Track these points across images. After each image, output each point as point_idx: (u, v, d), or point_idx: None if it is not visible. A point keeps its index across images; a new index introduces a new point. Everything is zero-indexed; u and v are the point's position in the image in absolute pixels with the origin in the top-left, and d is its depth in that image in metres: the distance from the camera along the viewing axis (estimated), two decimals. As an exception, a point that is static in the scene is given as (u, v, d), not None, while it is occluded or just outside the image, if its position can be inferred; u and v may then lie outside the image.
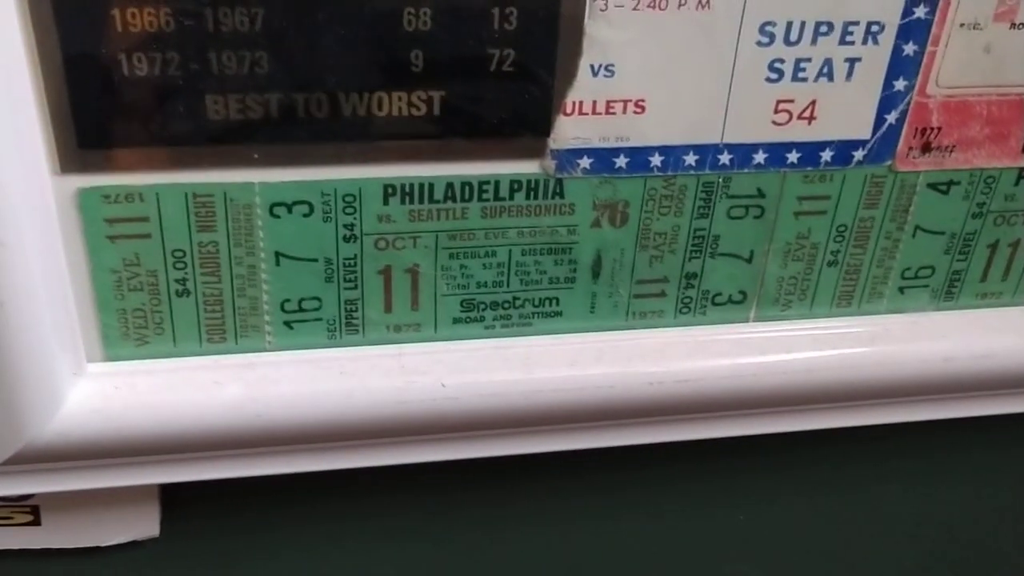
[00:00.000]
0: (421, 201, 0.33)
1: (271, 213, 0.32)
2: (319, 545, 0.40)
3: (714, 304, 0.37)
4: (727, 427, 0.38)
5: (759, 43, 0.32)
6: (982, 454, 0.45)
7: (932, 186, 0.36)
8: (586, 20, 0.30)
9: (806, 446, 0.43)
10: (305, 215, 0.32)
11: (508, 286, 0.35)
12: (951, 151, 0.35)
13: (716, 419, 0.37)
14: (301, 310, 0.34)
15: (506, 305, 0.35)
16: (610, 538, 0.44)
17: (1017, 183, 0.37)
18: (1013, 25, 0.33)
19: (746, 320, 0.37)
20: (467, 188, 0.33)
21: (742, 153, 0.34)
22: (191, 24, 0.28)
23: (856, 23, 0.32)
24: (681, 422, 0.37)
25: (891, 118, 0.34)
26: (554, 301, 0.35)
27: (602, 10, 0.30)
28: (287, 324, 0.34)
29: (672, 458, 0.42)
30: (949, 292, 0.39)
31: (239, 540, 0.40)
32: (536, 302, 0.35)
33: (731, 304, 0.37)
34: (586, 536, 0.43)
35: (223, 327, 0.33)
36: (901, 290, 0.38)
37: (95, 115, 0.29)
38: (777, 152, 0.34)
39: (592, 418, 0.36)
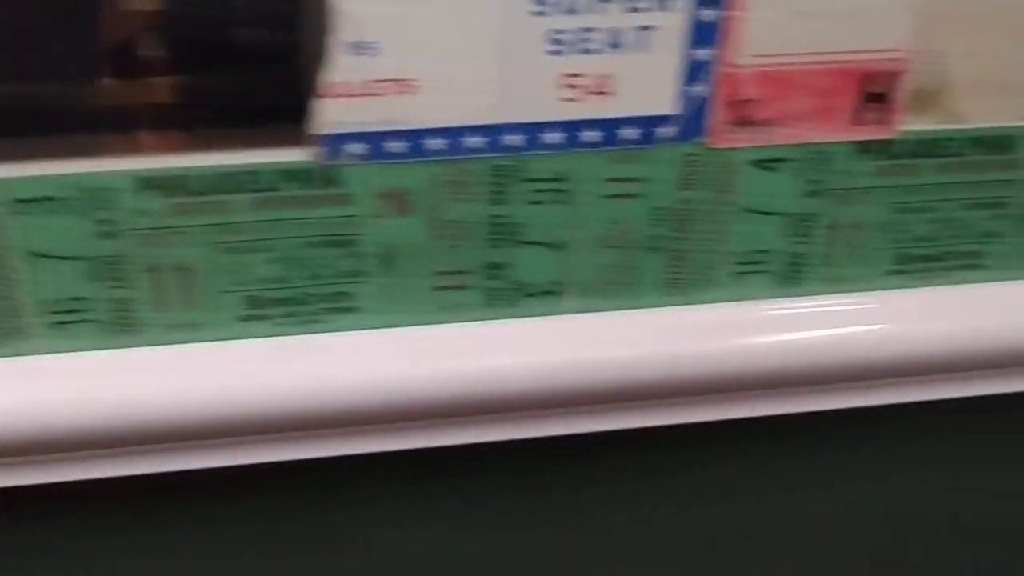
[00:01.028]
0: (182, 194, 0.30)
1: (17, 210, 0.30)
2: (134, 549, 0.39)
3: (526, 295, 0.34)
4: (551, 426, 0.35)
5: (533, 12, 0.29)
6: (861, 448, 0.42)
7: (757, 163, 0.33)
8: (333, -7, 0.28)
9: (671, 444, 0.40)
10: (54, 212, 0.30)
11: (293, 281, 0.33)
12: (774, 125, 0.32)
13: (534, 417, 0.35)
14: (69, 311, 0.32)
15: (293, 301, 0.33)
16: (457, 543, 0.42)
17: (855, 157, 0.33)
18: (824, -15, 0.30)
19: (563, 311, 0.35)
20: (230, 179, 0.30)
21: (531, 133, 0.31)
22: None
23: (644, -10, 0.29)
24: (497, 421, 0.35)
25: (698, 91, 0.31)
26: (347, 296, 0.33)
27: (350, -17, 0.28)
28: (56, 325, 0.32)
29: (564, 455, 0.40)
30: (792, 277, 0.36)
31: (70, 541, 0.39)
32: (326, 297, 0.33)
33: (545, 295, 0.34)
34: (409, 546, 0.42)
35: (-13, 330, 0.32)
36: (737, 276, 0.35)
37: None
38: (571, 131, 0.31)
39: (394, 419, 0.34)
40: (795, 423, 0.38)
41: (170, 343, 0.33)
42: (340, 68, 0.29)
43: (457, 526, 0.42)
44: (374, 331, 0.34)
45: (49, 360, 0.32)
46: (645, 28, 0.30)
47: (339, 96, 0.29)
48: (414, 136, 0.30)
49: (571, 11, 0.29)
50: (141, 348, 0.32)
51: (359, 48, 0.29)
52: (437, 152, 0.31)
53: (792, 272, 0.35)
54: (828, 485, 0.43)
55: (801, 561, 0.47)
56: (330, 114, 0.29)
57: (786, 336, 0.35)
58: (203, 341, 0.33)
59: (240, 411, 0.33)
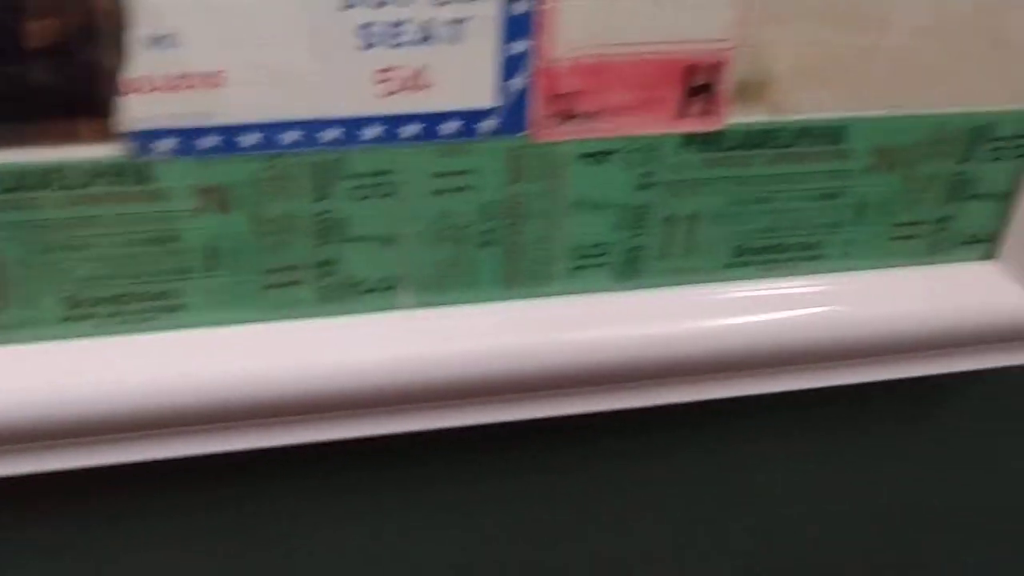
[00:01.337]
0: (-13, 193, 0.30)
1: None
2: None
3: (361, 291, 0.34)
4: (392, 423, 0.35)
5: (340, 6, 0.29)
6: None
7: (585, 157, 0.33)
8: (128, -14, 0.27)
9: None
10: None
11: (115, 280, 0.32)
12: (597, 118, 0.32)
13: (375, 414, 0.35)
14: None
15: (117, 300, 0.32)
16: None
17: (684, 150, 0.33)
18: (636, -24, 0.30)
19: (400, 307, 0.34)
20: (37, 176, 0.30)
21: (349, 128, 0.30)
22: None
23: (450, -18, 0.29)
24: (337, 418, 0.35)
25: (517, 84, 0.31)
26: (173, 294, 0.33)
27: (143, -25, 0.27)
28: None
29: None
30: (632, 270, 0.36)
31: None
32: (152, 296, 0.33)
33: (380, 291, 0.34)
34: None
35: None
36: (575, 269, 0.35)
37: None
38: (390, 126, 0.31)
39: (225, 418, 0.33)
40: (643, 416, 0.38)
41: (-12, 345, 0.32)
42: (141, 62, 0.28)
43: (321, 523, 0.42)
44: (203, 329, 0.33)
45: None
46: (457, 20, 0.29)
47: (143, 91, 0.29)
48: (227, 131, 0.30)
49: (380, 4, 0.29)
50: (-43, 350, 0.32)
51: (160, 41, 0.28)
52: (253, 148, 0.30)
53: (631, 265, 0.35)
54: (672, 479, 0.44)
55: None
56: (136, 110, 0.29)
57: (625, 329, 0.35)
58: (23, 342, 0.32)
59: (63, 414, 0.32)
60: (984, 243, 0.38)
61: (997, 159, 0.36)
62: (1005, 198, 0.37)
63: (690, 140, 0.33)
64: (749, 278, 0.36)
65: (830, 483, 0.45)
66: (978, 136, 0.35)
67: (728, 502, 0.45)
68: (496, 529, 0.43)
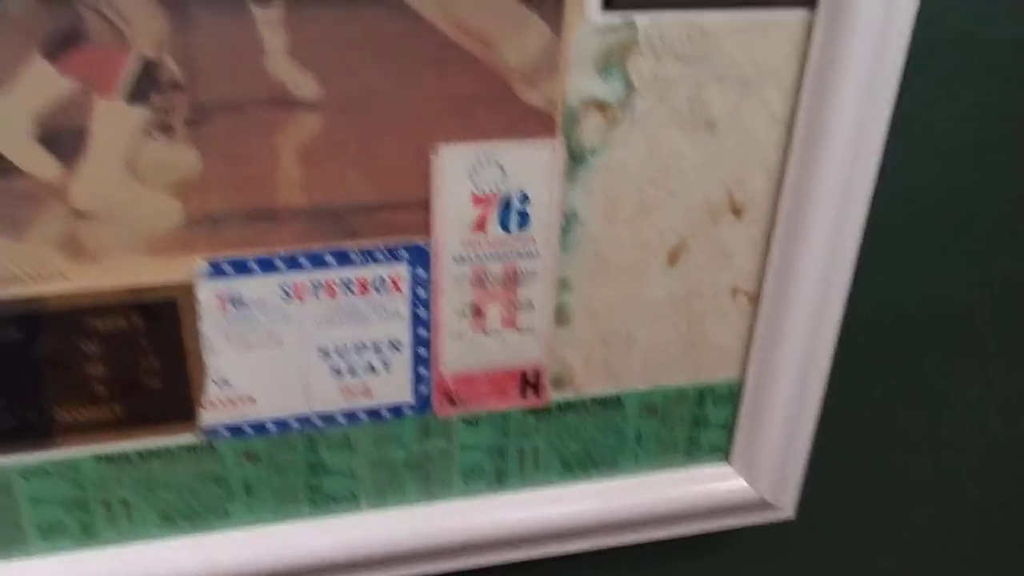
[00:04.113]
0: (124, 463, 0.52)
1: (24, 477, 0.51)
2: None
3: (334, 501, 0.56)
4: (355, 578, 0.57)
5: (320, 358, 0.51)
6: None
7: (466, 422, 0.55)
8: (204, 356, 0.49)
9: None
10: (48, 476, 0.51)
11: (199, 499, 0.54)
12: (471, 402, 0.55)
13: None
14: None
15: (196, 515, 0.54)
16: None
17: (525, 415, 0.56)
18: (486, 331, 0.52)
19: (358, 511, 0.56)
20: (152, 453, 0.52)
21: (327, 418, 0.53)
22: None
23: (383, 342, 0.51)
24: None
25: (423, 389, 0.53)
26: (225, 509, 0.54)
27: (214, 350, 0.49)
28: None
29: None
30: (500, 481, 0.58)
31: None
32: (212, 510, 0.54)
33: (346, 500, 0.56)
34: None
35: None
36: (465, 483, 0.57)
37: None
38: (351, 415, 0.53)
39: (255, 582, 0.55)
40: (519, 566, 0.60)
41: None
42: (210, 393, 0.50)
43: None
44: (243, 530, 0.55)
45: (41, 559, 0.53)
46: (386, 361, 0.52)
47: (212, 406, 0.51)
48: (258, 424, 0.52)
49: (342, 355, 0.51)
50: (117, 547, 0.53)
51: (220, 382, 0.50)
52: (272, 431, 0.52)
53: (499, 478, 0.58)
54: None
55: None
56: (208, 417, 0.51)
57: (497, 516, 0.57)
58: (128, 545, 0.54)
59: None
60: (720, 452, 0.61)
61: (718, 406, 0.59)
62: (729, 427, 0.60)
63: (528, 410, 0.56)
64: (575, 482, 0.59)
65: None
66: (704, 396, 0.58)
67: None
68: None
